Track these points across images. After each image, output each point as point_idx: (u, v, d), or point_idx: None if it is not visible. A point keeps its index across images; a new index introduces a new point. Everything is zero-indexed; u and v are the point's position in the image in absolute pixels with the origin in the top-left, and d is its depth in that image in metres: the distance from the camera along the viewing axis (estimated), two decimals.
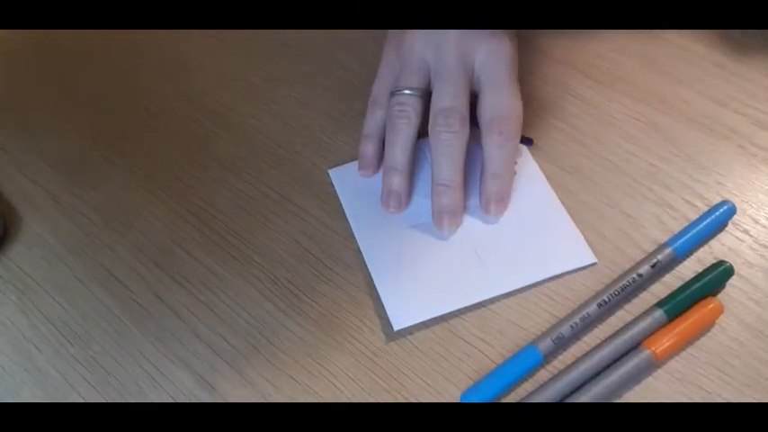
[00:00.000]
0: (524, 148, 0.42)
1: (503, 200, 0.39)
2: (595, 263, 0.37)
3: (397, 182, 0.40)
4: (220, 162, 0.45)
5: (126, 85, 0.50)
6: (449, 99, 0.39)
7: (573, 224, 0.39)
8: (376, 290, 0.38)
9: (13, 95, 0.51)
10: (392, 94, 0.40)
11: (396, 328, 0.37)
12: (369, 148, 0.42)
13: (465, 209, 0.40)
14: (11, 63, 0.53)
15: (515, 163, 0.40)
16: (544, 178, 0.41)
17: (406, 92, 0.40)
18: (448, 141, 0.38)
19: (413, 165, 0.41)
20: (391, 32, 0.44)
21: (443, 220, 0.39)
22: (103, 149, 0.47)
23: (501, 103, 0.39)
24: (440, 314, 0.37)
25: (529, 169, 0.41)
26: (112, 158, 0.47)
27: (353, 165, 0.43)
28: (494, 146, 0.39)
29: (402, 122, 0.40)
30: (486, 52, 0.39)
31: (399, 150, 0.40)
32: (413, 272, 0.39)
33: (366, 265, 0.39)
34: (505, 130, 0.38)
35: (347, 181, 0.43)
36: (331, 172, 0.43)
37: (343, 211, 0.42)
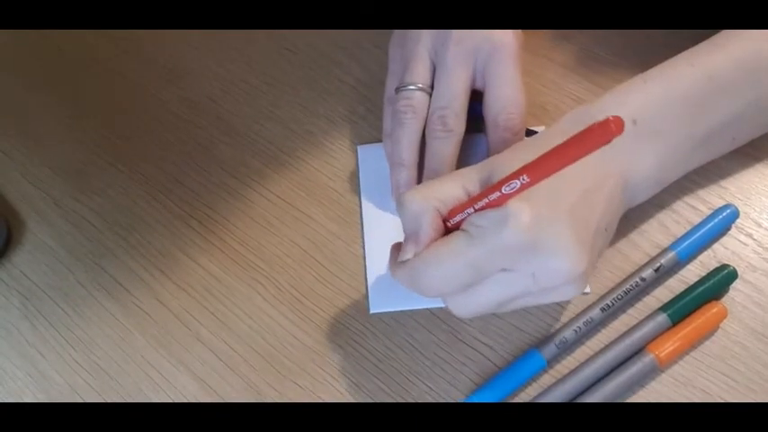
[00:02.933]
0: None
1: None
2: (588, 292, 0.37)
3: (405, 177, 0.40)
4: (223, 167, 0.45)
5: (130, 91, 0.50)
6: (445, 98, 0.39)
7: None
8: (365, 270, 0.39)
9: (16, 101, 0.51)
10: (397, 90, 0.41)
11: (372, 311, 0.38)
12: (390, 147, 0.42)
13: None
14: (14, 69, 0.53)
15: None
16: None
17: (411, 87, 0.40)
18: (442, 139, 0.39)
19: (420, 159, 0.41)
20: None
21: None
22: (107, 155, 0.47)
23: (506, 97, 0.39)
24: (419, 308, 0.38)
25: None
26: (116, 164, 0.47)
27: (381, 145, 0.43)
28: (500, 141, 0.39)
29: (407, 117, 0.40)
30: (491, 48, 0.39)
31: (405, 145, 0.40)
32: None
33: (363, 247, 0.40)
34: (511, 124, 0.39)
35: (371, 160, 0.43)
36: (360, 147, 0.44)
37: (359, 188, 0.43)
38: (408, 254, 0.32)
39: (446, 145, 0.39)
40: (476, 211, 0.31)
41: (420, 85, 0.40)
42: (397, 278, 0.34)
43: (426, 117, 0.40)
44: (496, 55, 0.39)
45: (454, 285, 0.31)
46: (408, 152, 0.40)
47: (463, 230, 0.31)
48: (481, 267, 0.31)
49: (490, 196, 0.30)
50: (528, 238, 0.29)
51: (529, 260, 0.30)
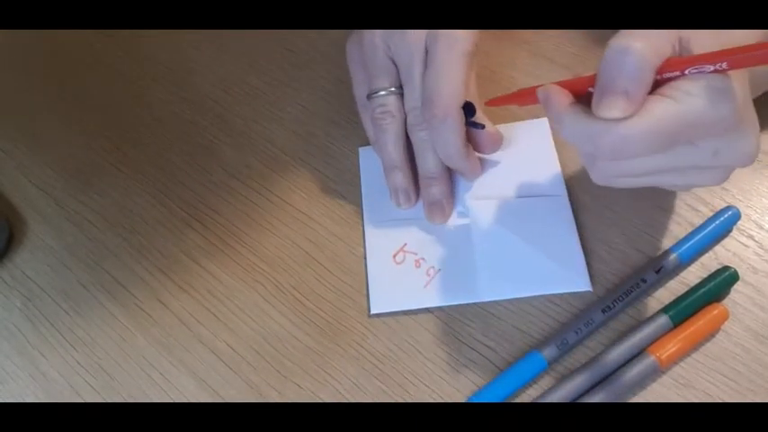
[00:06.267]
0: (559, 175, 0.41)
1: (443, 200, 0.40)
2: (590, 291, 0.37)
3: (400, 178, 0.41)
4: (225, 168, 0.45)
5: (131, 91, 0.50)
6: (414, 99, 0.39)
7: (580, 248, 0.38)
8: (366, 271, 0.39)
9: (18, 101, 0.51)
10: (369, 97, 0.41)
11: (373, 311, 0.38)
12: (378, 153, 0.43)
13: (476, 205, 0.40)
14: (15, 69, 0.53)
15: (461, 144, 0.39)
16: (567, 200, 0.40)
17: (382, 93, 0.40)
18: (424, 136, 0.39)
19: (410, 158, 0.41)
20: (351, 32, 0.44)
21: (434, 212, 0.40)
22: (109, 155, 0.47)
23: (428, 86, 0.38)
24: (420, 308, 0.38)
25: (554, 187, 0.40)
26: (117, 164, 0.47)
27: None
28: (421, 139, 0.40)
29: (386, 122, 0.40)
30: (433, 39, 0.38)
31: (392, 149, 0.41)
32: (406, 261, 0.39)
33: (364, 248, 0.40)
34: (429, 115, 0.38)
35: (372, 162, 0.43)
36: (361, 149, 0.44)
37: (360, 189, 0.43)
38: (616, 111, 0.27)
39: (431, 141, 0.39)
40: (682, 75, 0.28)
41: (391, 89, 0.40)
42: (566, 128, 0.30)
43: (404, 116, 0.40)
44: (436, 44, 0.38)
45: (636, 153, 0.28)
46: (396, 154, 0.41)
47: (667, 97, 0.27)
48: (677, 138, 0.28)
49: (704, 66, 0.27)
50: (737, 117, 0.27)
51: (724, 137, 0.28)
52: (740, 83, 0.28)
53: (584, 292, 0.37)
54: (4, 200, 0.46)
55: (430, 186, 0.40)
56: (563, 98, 0.30)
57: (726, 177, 0.31)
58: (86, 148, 0.48)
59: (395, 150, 0.41)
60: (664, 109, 0.27)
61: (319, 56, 0.49)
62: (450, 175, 0.41)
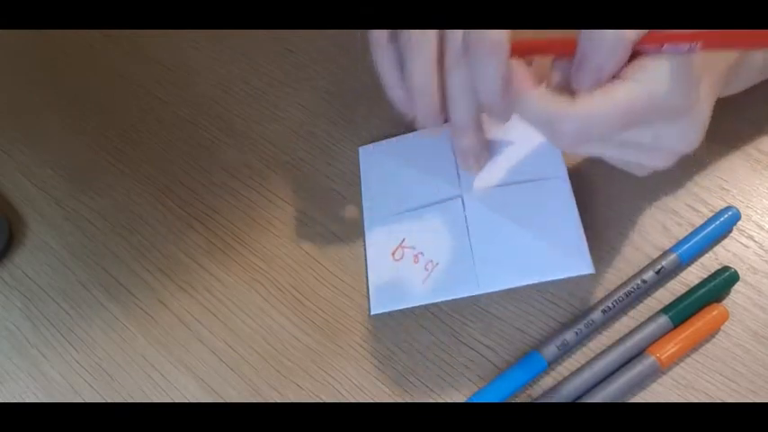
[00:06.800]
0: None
1: (478, 147, 0.38)
2: (593, 273, 0.37)
3: (429, 103, 0.35)
4: (225, 168, 0.45)
5: (131, 92, 0.50)
6: (455, 38, 0.34)
7: (581, 229, 0.37)
8: (366, 269, 0.39)
9: (18, 101, 0.51)
10: (394, 34, 0.36)
11: (373, 312, 0.38)
12: (398, 93, 0.37)
13: (477, 196, 0.40)
14: (15, 68, 0.53)
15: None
16: (568, 181, 0.39)
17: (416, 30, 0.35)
18: (461, 81, 0.34)
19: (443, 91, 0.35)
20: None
21: (469, 161, 0.38)
22: (109, 155, 0.47)
23: (475, 30, 0.33)
24: (420, 305, 0.38)
25: (554, 169, 0.40)
26: (117, 164, 0.47)
27: (381, 144, 0.44)
28: (457, 84, 0.34)
29: (421, 40, 0.34)
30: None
31: (420, 67, 0.34)
32: (404, 258, 0.39)
33: (364, 248, 0.40)
34: (477, 46, 0.32)
35: (372, 160, 0.44)
36: (361, 149, 0.44)
37: (360, 189, 0.43)
38: (584, 83, 0.28)
39: (467, 78, 0.34)
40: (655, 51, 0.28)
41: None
42: (528, 109, 0.29)
43: (439, 48, 0.35)
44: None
45: (598, 136, 0.29)
46: (426, 78, 0.34)
47: (629, 79, 0.28)
48: (635, 118, 0.28)
49: (680, 45, 0.27)
50: (689, 104, 0.28)
51: (671, 121, 0.29)
52: (703, 74, 0.28)
53: (584, 292, 0.37)
54: (4, 200, 0.46)
55: (463, 137, 0.36)
56: (527, 76, 0.30)
57: (669, 162, 0.31)
58: (86, 147, 0.48)
59: (425, 74, 0.34)
60: (626, 91, 0.28)
61: (319, 56, 0.49)
62: (482, 123, 0.37)
